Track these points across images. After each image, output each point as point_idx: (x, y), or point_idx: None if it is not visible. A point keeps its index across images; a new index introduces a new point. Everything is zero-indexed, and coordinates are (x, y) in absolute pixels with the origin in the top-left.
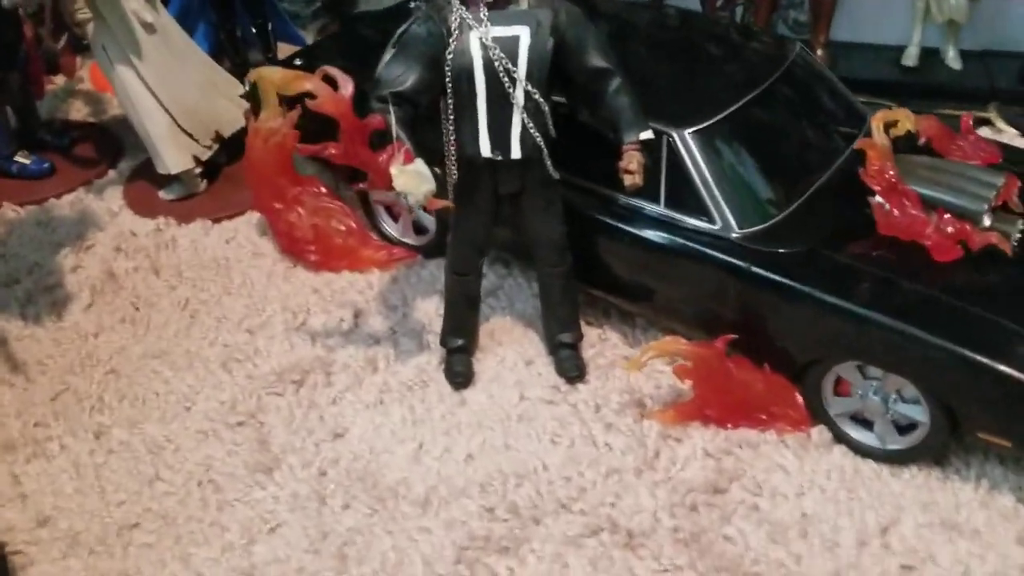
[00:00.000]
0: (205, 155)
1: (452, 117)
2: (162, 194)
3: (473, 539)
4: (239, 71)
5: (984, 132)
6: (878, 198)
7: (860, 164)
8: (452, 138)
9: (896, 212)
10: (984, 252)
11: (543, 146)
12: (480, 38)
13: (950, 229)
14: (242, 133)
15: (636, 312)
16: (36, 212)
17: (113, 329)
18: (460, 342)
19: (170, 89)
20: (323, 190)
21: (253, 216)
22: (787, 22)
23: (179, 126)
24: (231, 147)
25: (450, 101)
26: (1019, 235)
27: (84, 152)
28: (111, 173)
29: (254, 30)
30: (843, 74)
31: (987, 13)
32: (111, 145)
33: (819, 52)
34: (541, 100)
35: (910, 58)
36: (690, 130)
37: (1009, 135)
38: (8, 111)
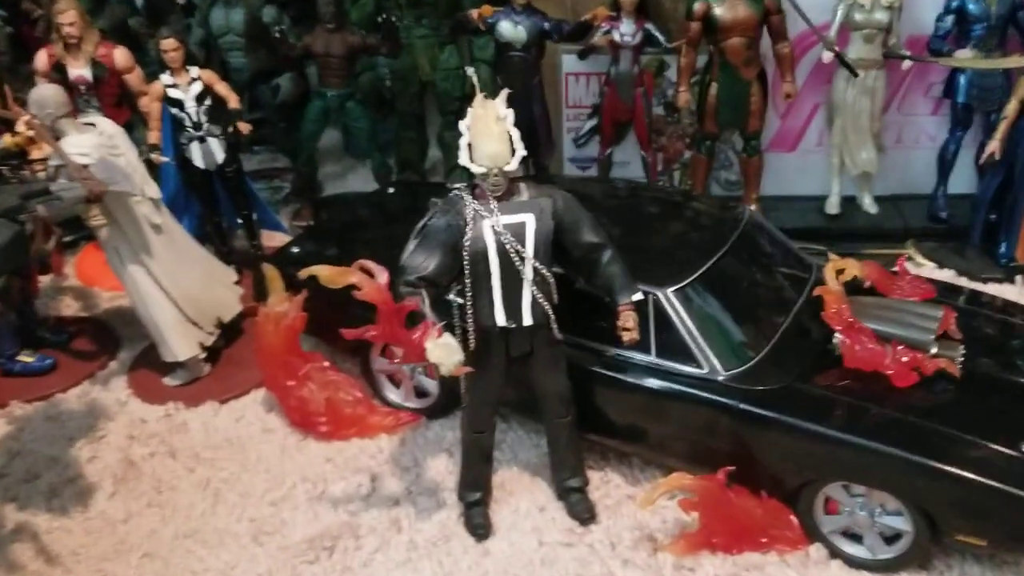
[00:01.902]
0: (209, 341)
1: (469, 294)
2: (167, 380)
3: None
4: (224, 258)
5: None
6: (841, 337)
7: (817, 307)
8: (470, 311)
9: (858, 347)
10: (936, 375)
11: (550, 312)
12: (492, 226)
13: (905, 359)
14: (239, 318)
15: (633, 452)
16: (44, 408)
17: (140, 514)
18: (477, 495)
19: (176, 283)
20: (327, 364)
21: (258, 394)
22: (720, 182)
23: (185, 316)
24: (228, 331)
25: (467, 280)
26: (961, 359)
27: (83, 346)
28: (113, 364)
29: (239, 220)
30: (775, 224)
31: (895, 162)
32: (108, 337)
33: (752, 207)
34: (546, 273)
35: (832, 206)
36: (672, 288)
37: (927, 268)
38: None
